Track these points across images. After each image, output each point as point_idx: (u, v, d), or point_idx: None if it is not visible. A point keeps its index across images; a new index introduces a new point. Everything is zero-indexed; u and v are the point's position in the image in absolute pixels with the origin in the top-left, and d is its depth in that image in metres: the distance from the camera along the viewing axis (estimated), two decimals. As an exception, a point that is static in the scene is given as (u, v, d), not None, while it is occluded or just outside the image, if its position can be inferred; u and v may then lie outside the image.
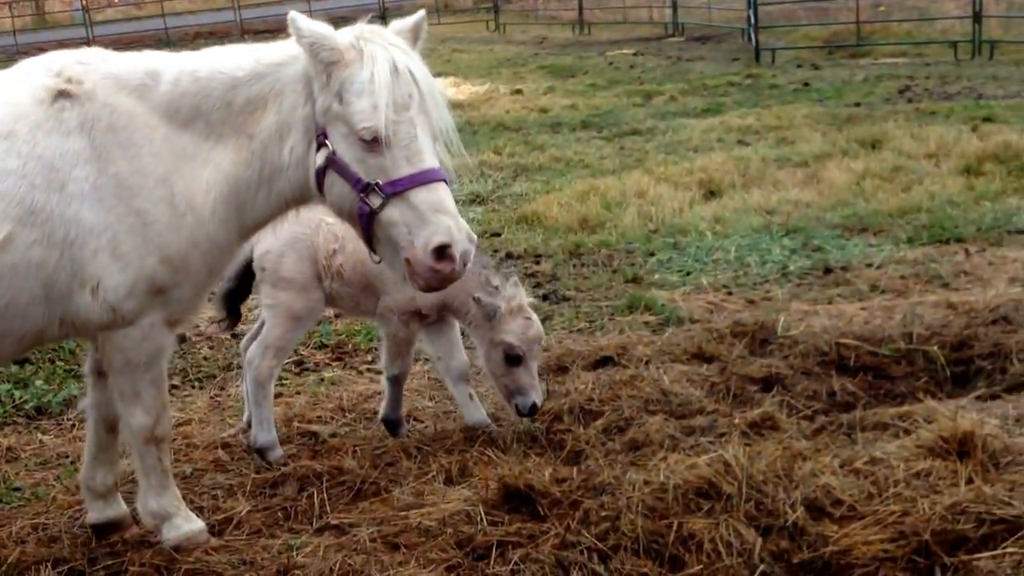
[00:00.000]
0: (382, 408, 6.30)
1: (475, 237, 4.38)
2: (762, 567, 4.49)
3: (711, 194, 12.21)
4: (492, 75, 24.86)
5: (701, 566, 4.50)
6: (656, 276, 9.39)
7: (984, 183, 11.48)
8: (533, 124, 18.06)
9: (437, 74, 18.53)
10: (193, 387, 7.38)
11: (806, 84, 20.34)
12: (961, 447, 5.19)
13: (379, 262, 4.59)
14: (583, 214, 11.38)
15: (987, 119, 15.12)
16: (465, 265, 4.37)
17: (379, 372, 7.39)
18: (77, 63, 4.61)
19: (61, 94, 4.48)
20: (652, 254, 10.05)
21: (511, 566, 4.64)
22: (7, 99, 4.55)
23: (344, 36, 4.35)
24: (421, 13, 4.55)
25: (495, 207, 12.36)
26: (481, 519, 5.01)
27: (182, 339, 8.14)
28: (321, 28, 4.34)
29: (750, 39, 25.78)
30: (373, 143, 4.26)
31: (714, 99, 19.64)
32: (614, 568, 4.53)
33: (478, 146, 16.17)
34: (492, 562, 4.71)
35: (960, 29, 24.01)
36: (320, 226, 5.96)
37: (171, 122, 4.50)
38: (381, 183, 4.28)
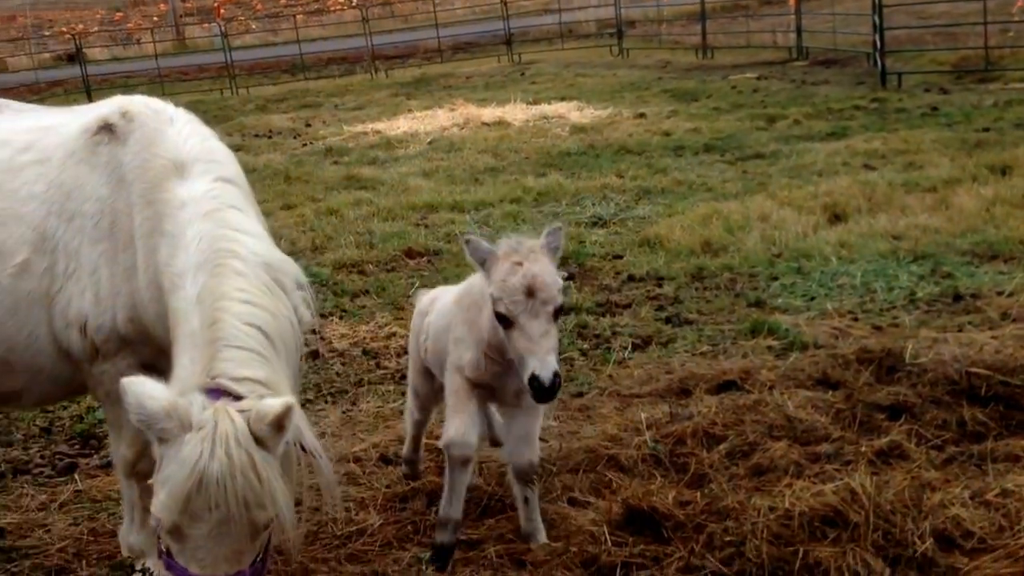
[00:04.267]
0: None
1: None
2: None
3: (836, 218, 12.07)
4: (615, 99, 24.90)
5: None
6: (779, 300, 9.33)
7: (1125, 213, 11.11)
8: (656, 148, 18.05)
9: (561, 98, 18.72)
10: (326, 402, 7.60)
11: (934, 108, 19.92)
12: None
13: None
14: (705, 237, 11.36)
15: None
16: None
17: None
18: (143, 106, 4.82)
19: (105, 127, 4.70)
20: (775, 278, 10.00)
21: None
22: (66, 126, 4.82)
23: (173, 409, 3.75)
24: (285, 406, 3.79)
25: (617, 230, 12.41)
26: (606, 540, 5.08)
27: (315, 355, 8.40)
28: (148, 403, 3.73)
29: (876, 63, 25.27)
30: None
31: (839, 123, 19.36)
32: (739, 592, 4.55)
33: (600, 169, 16.26)
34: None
35: (1096, 52, 23.20)
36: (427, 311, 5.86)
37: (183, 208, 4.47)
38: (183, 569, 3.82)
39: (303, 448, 4.14)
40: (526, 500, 5.25)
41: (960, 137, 16.66)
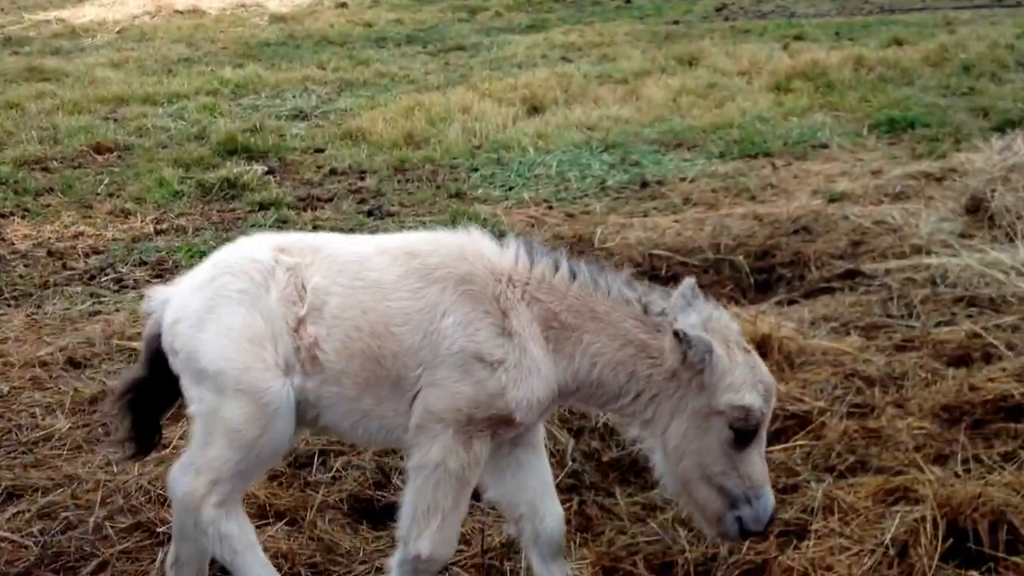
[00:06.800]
0: None
1: None
2: (573, 465, 4.73)
3: (534, 110, 12.39)
4: (316, -12, 24.36)
5: (516, 466, 4.70)
6: (479, 191, 9.53)
7: (792, 99, 12.01)
8: (358, 39, 17.84)
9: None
10: (8, 306, 7.16)
11: (628, 1, 20.65)
12: (760, 348, 5.51)
13: None
14: (408, 130, 11.39)
15: (797, 37, 15.74)
16: None
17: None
18: None
19: None
20: (476, 169, 10.18)
21: (333, 472, 4.76)
22: None
23: None
24: None
25: (319, 123, 12.25)
26: (304, 429, 5.10)
27: (-4, 257, 7.91)
28: None
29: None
30: None
31: (538, 15, 19.77)
32: (434, 472, 4.68)
33: (301, 61, 15.93)
34: (315, 469, 4.82)
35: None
36: (272, 272, 3.60)
37: None
38: None
39: None
40: None
41: (651, 30, 17.40)
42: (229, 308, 3.51)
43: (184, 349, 3.54)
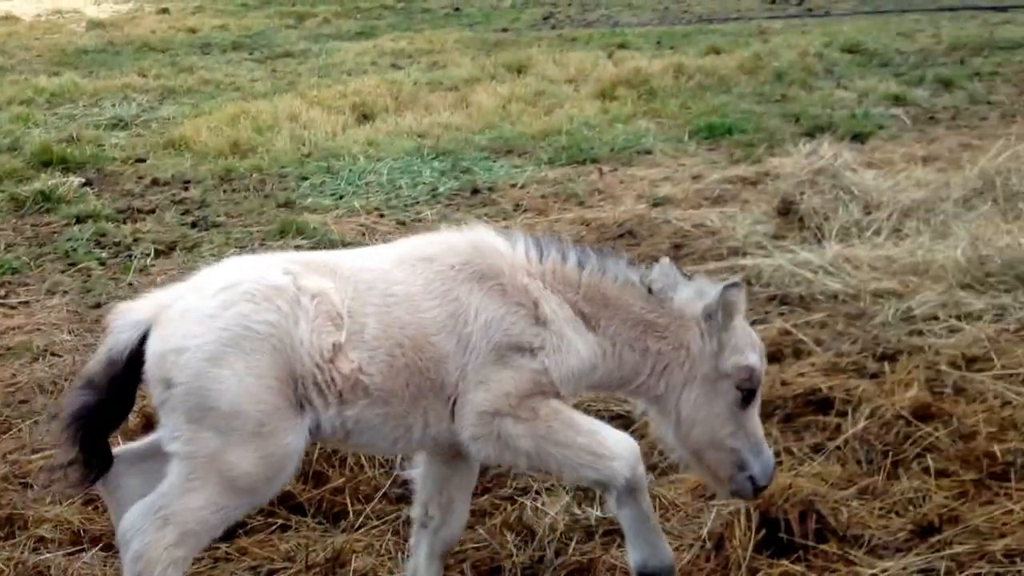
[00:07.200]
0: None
1: None
2: (403, 474, 4.73)
3: (364, 117, 12.35)
4: (137, -8, 23.80)
5: (344, 479, 4.68)
6: (309, 200, 9.43)
7: (617, 107, 12.31)
8: (181, 45, 17.48)
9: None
10: None
11: (457, 9, 20.81)
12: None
13: None
14: (234, 138, 11.20)
15: (621, 46, 16.13)
16: None
17: (13, 307, 7.07)
18: None
19: None
20: (305, 178, 10.08)
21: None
22: None
23: None
24: None
25: (140, 132, 11.95)
26: (124, 449, 4.96)
27: None
28: None
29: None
30: None
31: (368, 22, 19.73)
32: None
33: (121, 68, 15.52)
34: (136, 491, 4.68)
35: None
36: (298, 300, 3.38)
37: None
38: None
39: None
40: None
41: (480, 37, 17.54)
42: (258, 343, 3.27)
43: (189, 383, 3.24)
